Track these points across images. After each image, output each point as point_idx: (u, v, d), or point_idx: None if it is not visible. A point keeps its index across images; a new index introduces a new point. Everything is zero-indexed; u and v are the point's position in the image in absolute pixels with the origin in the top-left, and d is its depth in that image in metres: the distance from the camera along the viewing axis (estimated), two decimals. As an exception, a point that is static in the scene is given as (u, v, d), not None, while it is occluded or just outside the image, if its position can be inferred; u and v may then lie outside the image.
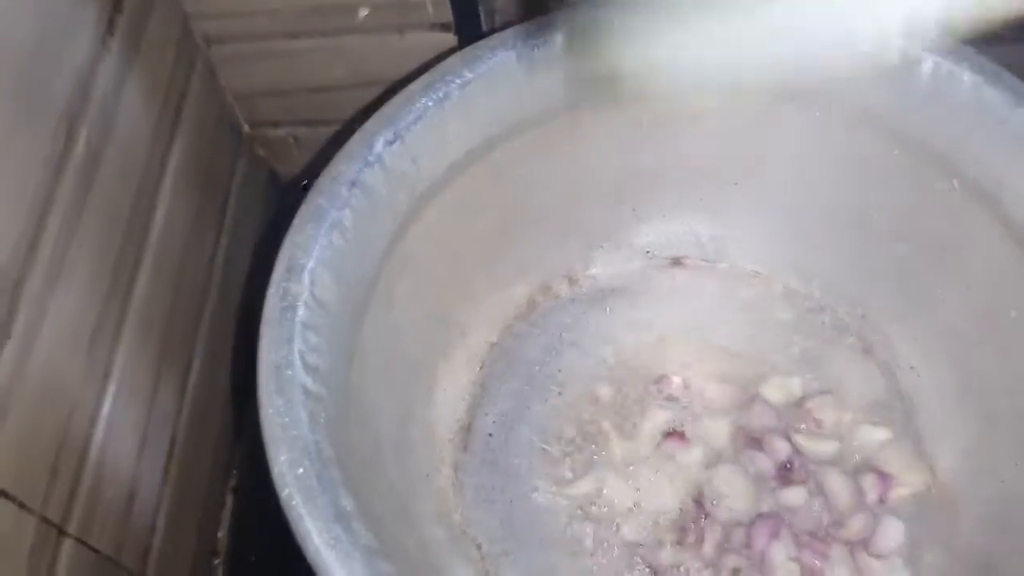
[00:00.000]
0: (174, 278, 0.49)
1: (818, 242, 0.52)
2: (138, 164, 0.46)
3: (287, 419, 0.34)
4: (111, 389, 0.43)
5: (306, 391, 0.35)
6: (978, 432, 0.45)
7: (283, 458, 0.33)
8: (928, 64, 0.41)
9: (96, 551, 0.41)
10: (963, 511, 0.45)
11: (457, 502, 0.48)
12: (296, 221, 0.38)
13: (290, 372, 0.35)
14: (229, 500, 0.55)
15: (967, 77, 0.40)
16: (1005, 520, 0.42)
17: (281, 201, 0.64)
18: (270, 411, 0.34)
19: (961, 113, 0.41)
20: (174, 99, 0.51)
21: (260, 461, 0.53)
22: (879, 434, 0.49)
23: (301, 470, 0.33)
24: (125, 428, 0.44)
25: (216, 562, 0.53)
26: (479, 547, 0.47)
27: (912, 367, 0.50)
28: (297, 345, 0.35)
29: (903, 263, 0.48)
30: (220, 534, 0.54)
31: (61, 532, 0.39)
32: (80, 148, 0.41)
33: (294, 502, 0.32)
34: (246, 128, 0.60)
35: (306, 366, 0.35)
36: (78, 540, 0.40)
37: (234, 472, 0.56)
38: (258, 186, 0.62)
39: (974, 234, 0.43)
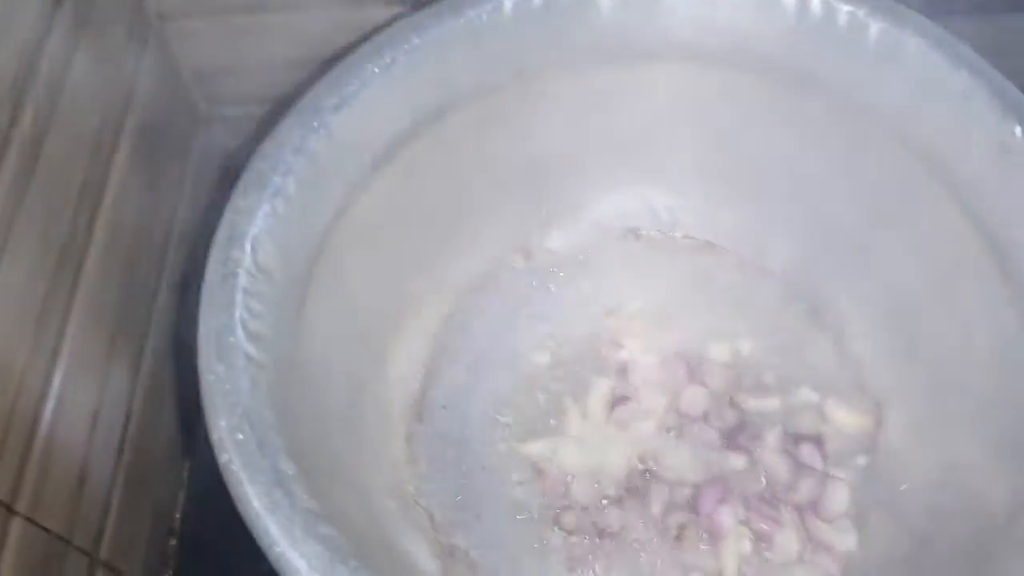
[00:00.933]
0: (128, 256, 0.49)
1: (770, 211, 0.52)
2: (87, 142, 0.46)
3: (227, 385, 0.34)
4: (61, 366, 0.43)
5: (248, 358, 0.34)
6: (925, 396, 0.46)
7: (223, 423, 0.33)
8: (874, 29, 0.41)
9: (47, 530, 0.41)
10: (909, 474, 0.45)
11: (410, 473, 0.48)
12: (238, 187, 0.38)
13: (232, 339, 0.35)
14: (186, 479, 0.55)
15: (912, 42, 0.40)
16: (948, 480, 0.42)
17: (237, 181, 0.63)
18: (210, 377, 0.34)
19: (906, 77, 0.41)
20: (126, 75, 0.50)
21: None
22: (820, 395, 0.49)
23: (241, 436, 0.33)
24: (76, 406, 0.44)
25: (173, 542, 0.53)
26: (432, 517, 0.47)
27: (861, 333, 0.50)
28: (239, 312, 0.35)
29: (852, 230, 0.49)
30: (177, 514, 0.54)
31: (10, 510, 0.38)
32: (26, 124, 0.40)
33: (233, 467, 0.32)
34: (202, 106, 0.60)
35: (248, 333, 0.35)
36: (27, 519, 0.39)
37: (192, 452, 0.56)
38: (214, 163, 0.61)
39: (921, 197, 0.43)
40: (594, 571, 0.46)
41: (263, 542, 0.31)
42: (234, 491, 0.32)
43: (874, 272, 0.48)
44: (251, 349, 0.35)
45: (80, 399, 0.44)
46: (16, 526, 0.38)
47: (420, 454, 0.49)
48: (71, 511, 0.43)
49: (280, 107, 0.58)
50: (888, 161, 0.44)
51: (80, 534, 0.44)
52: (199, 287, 0.56)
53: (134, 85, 0.50)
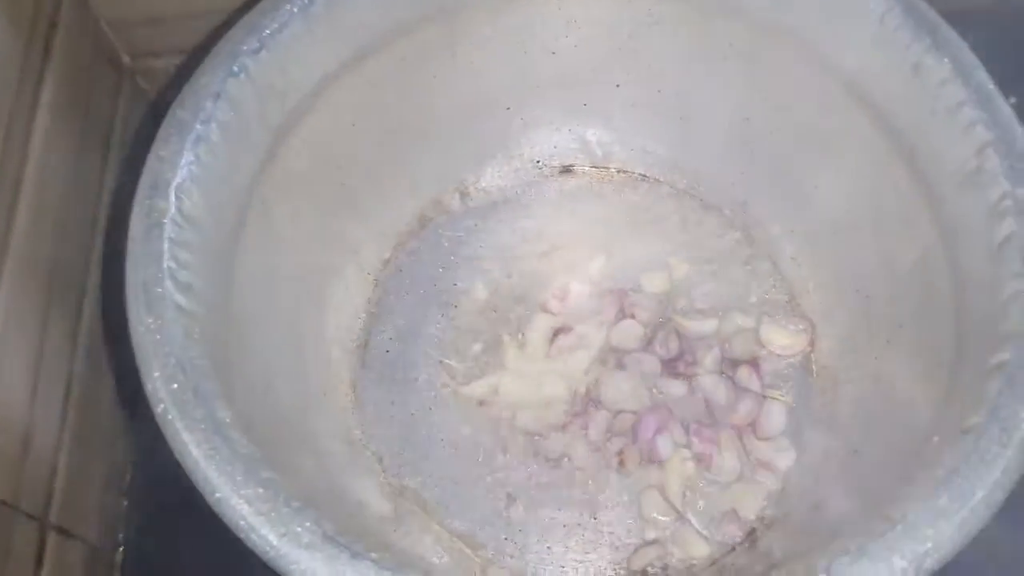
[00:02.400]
0: (57, 216, 0.48)
1: (701, 142, 0.52)
2: (5, 101, 0.44)
3: (159, 336, 0.33)
4: None
5: (179, 308, 0.34)
6: (855, 314, 0.47)
7: (156, 374, 0.32)
8: (792, -48, 0.42)
9: None
10: (841, 390, 0.47)
11: (357, 418, 0.48)
12: (159, 135, 0.37)
13: (160, 290, 0.34)
14: (135, 440, 0.54)
15: (829, -35, 0.41)
16: (876, 392, 0.44)
17: None
18: (140, 329, 0.33)
19: (834, 8, 0.42)
20: (42, 30, 0.48)
21: None
22: (755, 319, 0.50)
23: (175, 385, 0.32)
24: (14, 370, 0.43)
25: (125, 503, 0.53)
26: (380, 460, 0.48)
27: (793, 258, 0.51)
28: (166, 262, 0.35)
29: (781, 159, 0.49)
30: (128, 475, 0.53)
31: None
32: None
33: (170, 416, 0.32)
34: (126, 59, 0.58)
35: (177, 284, 0.35)
36: None
37: (138, 412, 0.55)
38: (142, 121, 0.60)
39: (841, 119, 0.44)
40: (539, 499, 0.47)
41: (204, 489, 0.31)
42: (172, 440, 0.32)
43: (802, 198, 0.49)
44: (181, 299, 0.34)
45: (18, 361, 0.44)
46: None
47: (365, 398, 0.49)
48: (15, 476, 0.43)
49: (202, 56, 0.58)
50: (809, 85, 0.45)
51: (27, 499, 0.43)
52: None
53: (51, 40, 0.49)
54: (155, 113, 0.61)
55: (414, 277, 0.53)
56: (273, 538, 0.30)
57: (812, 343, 0.49)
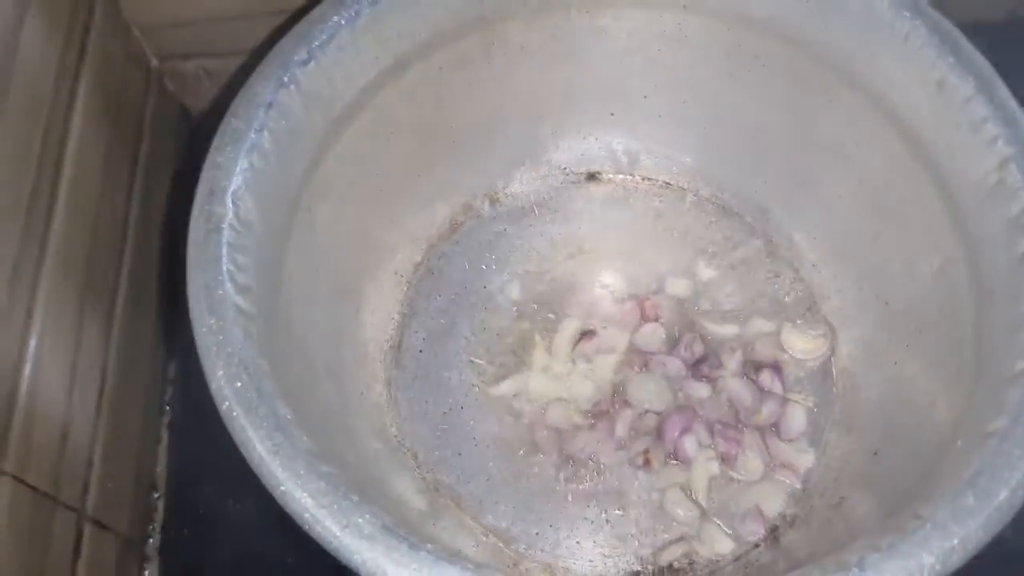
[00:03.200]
0: (91, 215, 0.49)
1: (724, 151, 0.54)
2: (45, 102, 0.46)
3: (221, 337, 0.35)
4: (36, 328, 0.43)
5: (238, 309, 0.36)
6: (875, 319, 0.49)
7: (220, 373, 0.34)
8: (822, -28, 0.43)
9: (34, 488, 0.41)
10: (861, 394, 0.48)
11: (392, 416, 0.50)
12: (215, 143, 0.39)
13: (221, 292, 0.35)
14: (165, 435, 0.55)
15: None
16: (896, 395, 0.45)
17: (193, 136, 0.63)
18: (203, 329, 0.35)
19: (851, 20, 0.43)
20: (77, 34, 0.50)
21: (193, 395, 0.54)
22: (776, 324, 0.52)
23: (239, 383, 0.34)
24: (54, 365, 0.45)
25: (156, 496, 0.54)
26: (415, 456, 0.49)
27: (814, 264, 0.53)
28: (225, 265, 0.36)
29: (802, 166, 0.51)
30: (158, 468, 0.55)
31: None
32: None
33: (235, 413, 0.33)
34: (154, 62, 0.59)
35: (236, 285, 0.36)
36: (15, 478, 0.40)
37: (167, 407, 0.56)
38: (169, 121, 0.61)
39: (867, 133, 0.46)
40: (568, 496, 0.48)
41: (268, 483, 0.33)
42: (237, 436, 0.33)
43: (825, 206, 0.51)
44: (240, 301, 0.36)
45: (57, 359, 0.45)
46: (4, 485, 0.39)
47: (400, 397, 0.51)
48: (55, 469, 0.44)
49: (232, 60, 0.59)
50: (836, 100, 0.46)
51: (67, 491, 0.45)
52: (164, 245, 0.57)
53: (85, 43, 0.50)
54: (180, 115, 0.63)
55: (445, 280, 0.54)
56: (336, 529, 0.32)
57: (832, 348, 0.51)
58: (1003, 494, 0.33)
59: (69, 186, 0.47)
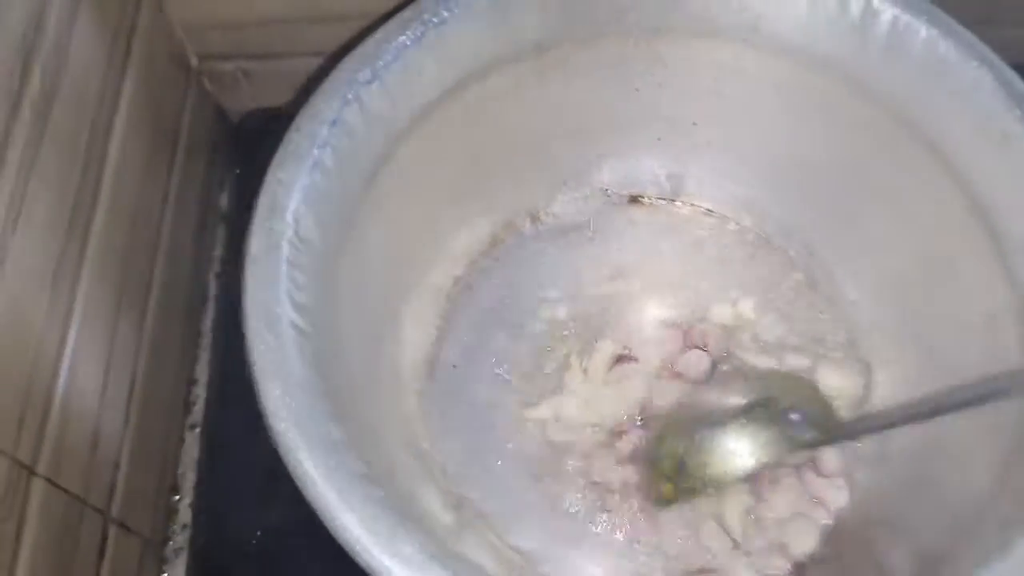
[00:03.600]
0: (130, 215, 0.49)
1: (770, 183, 0.54)
2: (92, 99, 0.46)
3: (279, 355, 0.35)
4: (73, 328, 0.43)
5: (295, 327, 0.36)
6: (915, 362, 0.48)
7: (276, 392, 0.34)
8: (887, 15, 0.43)
9: (65, 491, 0.41)
10: (895, 435, 0.48)
11: (424, 430, 0.50)
12: (276, 159, 0.39)
13: (279, 310, 0.35)
14: (187, 438, 0.55)
15: (924, 30, 0.42)
16: (930, 441, 0.45)
17: (229, 138, 0.63)
18: (261, 347, 0.35)
19: (914, 65, 0.43)
20: (124, 32, 0.50)
21: (220, 399, 0.54)
22: (812, 361, 0.52)
23: (294, 403, 0.34)
24: (88, 367, 0.44)
25: (176, 498, 0.54)
26: (444, 471, 0.49)
27: (853, 301, 0.52)
28: (284, 283, 0.36)
29: (849, 205, 0.51)
30: (180, 471, 0.54)
31: (31, 472, 0.39)
32: (35, 82, 0.40)
33: (290, 435, 0.33)
34: (194, 61, 0.59)
35: (294, 303, 0.36)
36: (48, 480, 0.40)
37: (192, 410, 0.56)
38: (205, 122, 0.61)
39: (920, 180, 0.45)
40: (595, 520, 0.48)
41: (318, 506, 0.33)
42: (288, 458, 0.33)
43: (871, 247, 0.50)
44: (297, 319, 0.36)
45: (92, 358, 0.45)
46: (37, 487, 0.39)
47: (432, 411, 0.51)
48: (86, 471, 0.44)
49: (272, 63, 0.58)
50: (891, 144, 0.46)
51: (95, 494, 0.45)
52: (194, 252, 0.56)
53: (131, 42, 0.50)
54: (219, 120, 0.62)
55: (483, 296, 0.54)
56: (386, 559, 0.32)
57: (867, 386, 0.51)
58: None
59: (111, 184, 0.47)
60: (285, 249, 0.37)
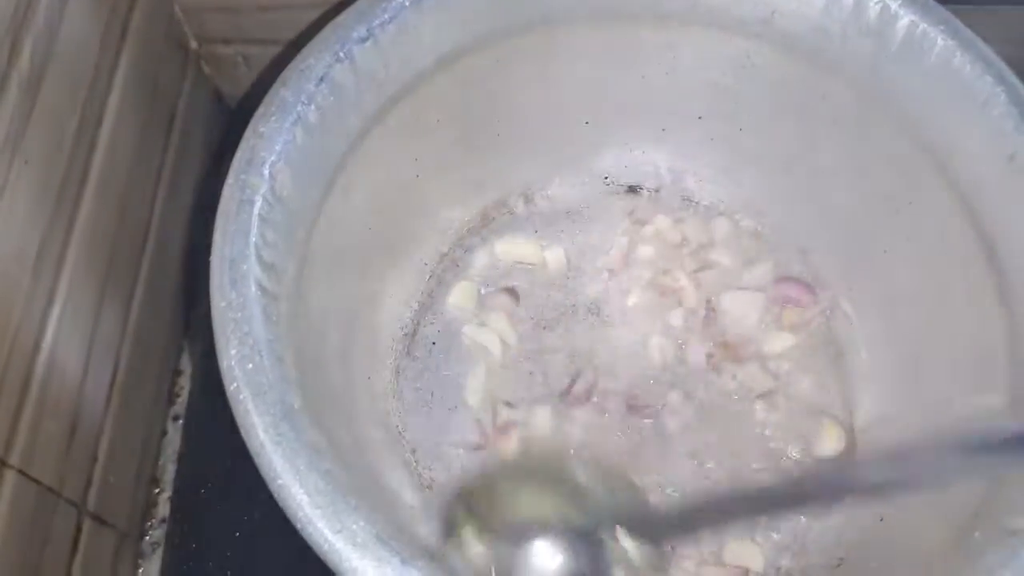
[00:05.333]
0: (120, 199, 0.48)
1: (771, 183, 0.52)
2: (84, 80, 0.45)
3: (240, 314, 0.33)
4: (54, 314, 0.42)
5: (261, 287, 0.34)
6: (903, 381, 0.47)
7: (233, 352, 0.33)
8: (904, 21, 0.41)
9: (38, 482, 0.40)
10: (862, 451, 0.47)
11: (396, 406, 0.49)
12: (259, 112, 0.37)
13: (245, 266, 0.34)
14: (170, 429, 0.54)
15: (940, 40, 0.40)
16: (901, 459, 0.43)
17: (227, 123, 0.62)
18: (222, 304, 0.34)
19: (927, 74, 0.42)
20: (121, 12, 0.48)
21: (205, 389, 0.53)
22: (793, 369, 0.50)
23: (251, 365, 0.33)
24: (68, 355, 0.43)
25: (156, 491, 0.53)
26: (413, 451, 0.48)
27: (846, 314, 0.51)
28: (253, 239, 0.35)
29: (851, 218, 0.49)
30: (160, 462, 0.53)
31: (3, 463, 0.38)
32: (24, 62, 0.39)
33: (242, 396, 0.32)
34: (193, 44, 0.57)
35: (262, 262, 0.35)
36: (20, 472, 0.39)
37: (175, 401, 0.55)
38: (202, 106, 0.59)
39: (922, 191, 0.44)
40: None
41: (266, 474, 0.32)
42: (241, 421, 0.32)
43: (866, 255, 0.49)
44: (264, 278, 0.35)
45: (74, 345, 0.44)
46: (9, 479, 0.38)
47: (406, 388, 0.50)
48: (61, 463, 0.43)
49: (272, 48, 0.57)
50: (896, 154, 0.44)
51: (69, 486, 0.43)
52: (188, 240, 0.55)
53: (128, 21, 0.49)
54: (217, 105, 0.61)
55: (468, 273, 0.53)
56: (328, 534, 0.31)
57: (848, 406, 0.49)
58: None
59: (101, 167, 0.46)
60: (258, 204, 0.35)
